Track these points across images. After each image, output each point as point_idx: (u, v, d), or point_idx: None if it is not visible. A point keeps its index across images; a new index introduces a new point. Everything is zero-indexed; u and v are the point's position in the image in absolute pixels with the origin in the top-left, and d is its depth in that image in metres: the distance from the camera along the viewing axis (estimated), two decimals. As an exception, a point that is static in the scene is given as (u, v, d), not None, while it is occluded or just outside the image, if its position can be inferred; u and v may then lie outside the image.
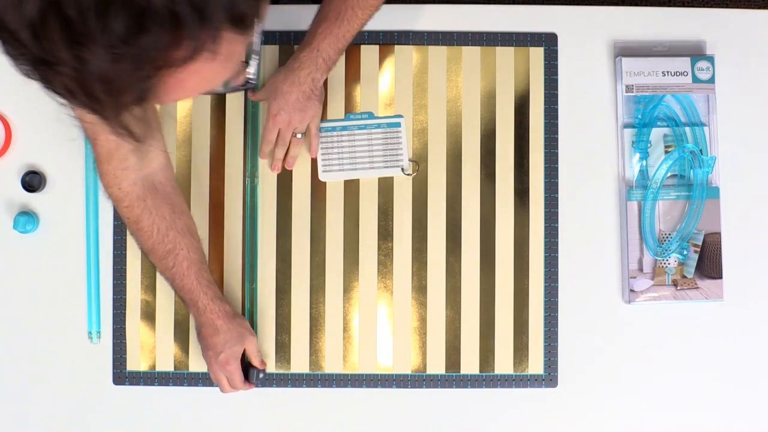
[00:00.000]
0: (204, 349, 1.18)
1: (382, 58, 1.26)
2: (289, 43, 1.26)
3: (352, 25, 1.10)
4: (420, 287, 1.24)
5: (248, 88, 0.71)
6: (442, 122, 1.25)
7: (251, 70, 0.73)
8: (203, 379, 1.24)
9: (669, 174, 1.24)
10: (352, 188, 1.25)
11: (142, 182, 1.07)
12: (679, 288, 1.23)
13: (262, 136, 1.22)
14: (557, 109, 1.26)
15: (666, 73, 1.24)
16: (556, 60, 1.26)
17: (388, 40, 1.26)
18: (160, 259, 1.11)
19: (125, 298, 1.24)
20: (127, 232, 1.24)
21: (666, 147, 1.24)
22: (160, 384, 1.24)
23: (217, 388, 1.22)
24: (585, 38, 1.27)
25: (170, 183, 1.11)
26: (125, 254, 1.24)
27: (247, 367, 1.20)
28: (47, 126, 1.26)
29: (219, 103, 1.26)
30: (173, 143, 1.25)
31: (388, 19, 1.26)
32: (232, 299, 1.23)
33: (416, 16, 1.27)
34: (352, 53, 1.25)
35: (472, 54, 1.26)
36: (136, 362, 1.24)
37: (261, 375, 1.21)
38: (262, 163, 1.25)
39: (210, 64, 0.62)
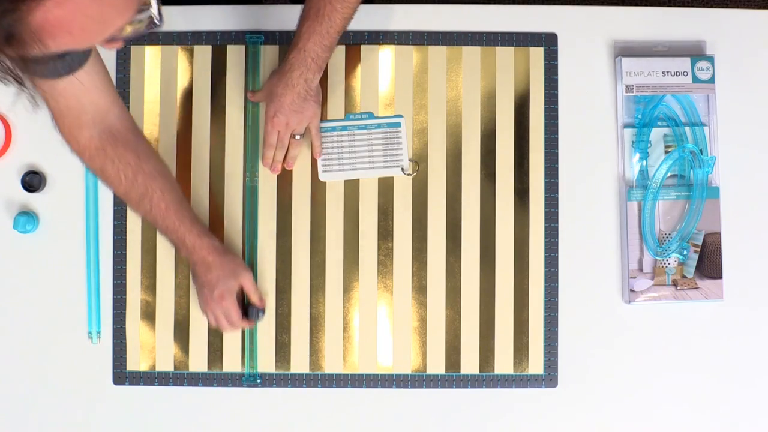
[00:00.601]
0: (199, 289, 1.18)
1: (382, 58, 1.26)
2: (288, 43, 1.26)
3: (334, 20, 1.10)
4: (420, 287, 1.24)
5: (155, 29, 0.67)
6: (442, 122, 1.26)
7: (153, 10, 0.68)
8: (203, 379, 1.24)
9: (669, 174, 1.24)
10: (352, 188, 1.25)
11: (99, 135, 1.07)
12: (679, 288, 1.23)
13: (263, 141, 1.22)
14: (557, 109, 1.26)
15: (666, 73, 1.24)
16: (556, 60, 1.26)
17: (388, 40, 1.26)
18: (137, 204, 1.11)
19: (125, 298, 1.24)
20: (127, 232, 1.24)
21: (666, 147, 1.24)
22: (160, 384, 1.24)
23: (216, 389, 1.22)
24: (585, 38, 1.27)
25: (131, 131, 1.10)
26: (125, 254, 1.24)
27: (246, 305, 1.20)
28: (47, 126, 1.26)
29: (219, 103, 1.26)
30: (173, 143, 1.25)
31: (388, 19, 1.26)
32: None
33: (416, 16, 1.27)
34: (352, 53, 1.26)
35: (472, 54, 1.26)
36: (136, 362, 1.24)
37: (261, 314, 1.21)
38: (262, 163, 1.25)
39: None
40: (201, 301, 1.19)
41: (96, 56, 1.02)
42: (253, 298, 1.20)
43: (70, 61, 0.96)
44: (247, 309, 1.20)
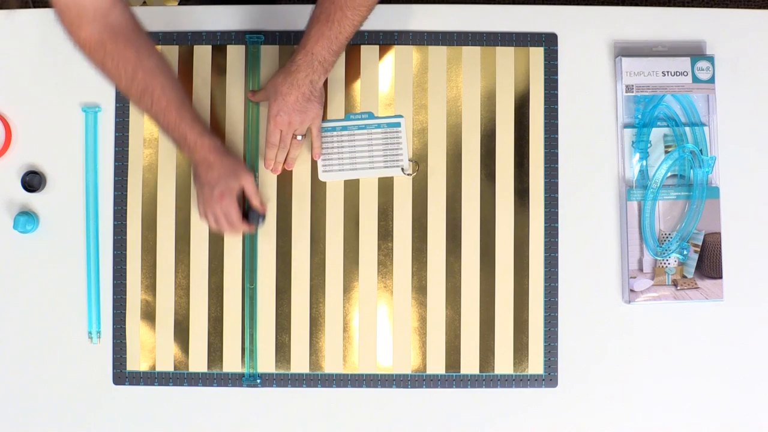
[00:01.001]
0: (199, 189, 1.18)
1: (382, 58, 1.26)
2: (289, 43, 1.26)
3: (343, 26, 1.10)
4: (420, 287, 1.24)
5: None
6: (442, 122, 1.26)
7: None
8: (203, 379, 1.24)
9: (669, 174, 1.24)
10: (352, 188, 1.25)
11: (100, 30, 1.07)
12: (679, 288, 1.23)
13: (266, 140, 1.21)
14: (557, 109, 1.26)
15: (666, 73, 1.24)
16: (556, 60, 1.26)
17: (388, 40, 1.26)
18: (138, 100, 1.12)
19: (125, 298, 1.24)
20: (127, 232, 1.24)
21: (666, 147, 1.24)
22: (160, 384, 1.24)
23: (216, 389, 1.22)
24: (585, 38, 1.27)
25: (131, 29, 1.10)
26: (125, 254, 1.24)
27: (247, 209, 1.19)
28: (47, 126, 1.26)
29: (219, 103, 1.26)
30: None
31: (388, 19, 1.26)
32: (232, 299, 1.23)
33: (416, 16, 1.27)
34: (352, 53, 1.26)
35: (472, 54, 1.26)
36: (136, 362, 1.24)
37: (262, 219, 1.20)
38: (262, 164, 1.25)
39: None
40: (200, 202, 1.19)
41: None
42: (254, 202, 1.19)
43: None
44: (248, 213, 1.19)
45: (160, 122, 1.13)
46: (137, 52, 1.09)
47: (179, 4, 1.18)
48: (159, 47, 1.26)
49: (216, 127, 1.25)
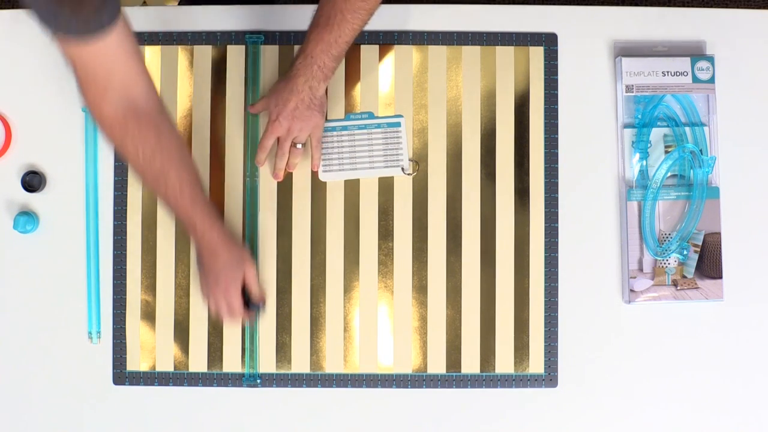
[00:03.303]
0: (203, 276, 1.17)
1: (382, 58, 1.26)
2: (289, 43, 1.26)
3: (343, 30, 1.09)
4: (420, 287, 1.24)
5: None
6: (442, 122, 1.26)
7: None
8: (203, 379, 1.24)
9: (669, 174, 1.24)
10: (352, 188, 1.25)
11: (124, 107, 1.04)
12: (679, 288, 1.23)
13: (259, 143, 1.21)
14: (557, 109, 1.26)
15: (666, 73, 1.24)
16: (556, 60, 1.26)
17: (388, 40, 1.26)
18: (153, 182, 1.10)
19: (125, 298, 1.24)
20: (127, 232, 1.24)
21: (666, 147, 1.24)
22: (160, 384, 1.24)
23: (216, 389, 1.22)
24: (585, 38, 1.27)
25: (155, 107, 1.08)
26: (125, 254, 1.24)
27: (247, 299, 1.19)
28: (47, 126, 1.26)
29: (219, 102, 1.26)
30: (173, 143, 1.25)
31: (388, 19, 1.26)
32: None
33: (416, 16, 1.27)
34: (352, 53, 1.25)
35: (472, 54, 1.26)
36: (136, 362, 1.24)
37: (261, 307, 1.21)
38: (256, 163, 1.25)
39: None
40: (203, 287, 1.18)
41: (125, 26, 1.01)
42: (253, 289, 1.20)
43: (103, 15, 0.94)
44: (248, 302, 1.20)
45: (171, 206, 1.12)
46: (158, 134, 1.07)
47: (179, 4, 1.17)
48: (159, 47, 1.26)
49: (215, 128, 1.25)
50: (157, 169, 1.07)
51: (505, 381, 1.24)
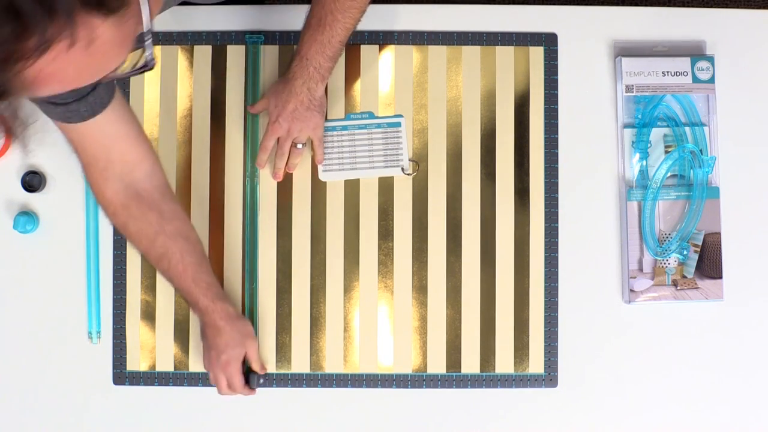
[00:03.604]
0: (206, 350, 1.18)
1: (382, 59, 1.26)
2: (288, 43, 1.26)
3: (335, 30, 1.09)
4: (420, 287, 1.24)
5: (146, 70, 0.67)
6: (442, 122, 1.26)
7: (148, 51, 0.67)
8: (203, 379, 1.24)
9: (669, 174, 1.24)
10: (352, 188, 1.25)
11: (125, 190, 1.07)
12: (679, 288, 1.23)
13: (260, 144, 1.21)
14: (557, 109, 1.26)
15: (666, 73, 1.24)
16: (556, 60, 1.26)
17: (388, 40, 1.26)
18: (156, 262, 1.12)
19: (125, 298, 1.24)
20: (127, 232, 1.25)
21: (666, 147, 1.24)
22: (160, 384, 1.24)
23: (216, 389, 1.22)
24: (585, 38, 1.27)
25: (158, 190, 1.10)
26: (125, 254, 1.24)
27: (247, 371, 1.20)
28: (47, 126, 1.26)
29: (219, 103, 1.26)
30: (173, 144, 1.25)
31: (388, 19, 1.26)
32: (232, 299, 1.23)
33: (416, 16, 1.27)
34: (352, 53, 1.26)
35: (472, 54, 1.26)
36: (136, 362, 1.24)
37: (261, 380, 1.21)
38: (257, 165, 1.25)
39: (77, 52, 0.58)
40: (206, 360, 1.19)
41: (123, 105, 1.02)
42: (255, 366, 1.20)
43: (93, 104, 0.96)
44: (248, 374, 1.20)
45: (174, 284, 1.13)
46: (161, 216, 1.08)
47: (179, 4, 1.17)
48: (159, 47, 1.26)
49: (216, 128, 1.25)
50: (161, 250, 1.09)
51: (505, 381, 1.24)
